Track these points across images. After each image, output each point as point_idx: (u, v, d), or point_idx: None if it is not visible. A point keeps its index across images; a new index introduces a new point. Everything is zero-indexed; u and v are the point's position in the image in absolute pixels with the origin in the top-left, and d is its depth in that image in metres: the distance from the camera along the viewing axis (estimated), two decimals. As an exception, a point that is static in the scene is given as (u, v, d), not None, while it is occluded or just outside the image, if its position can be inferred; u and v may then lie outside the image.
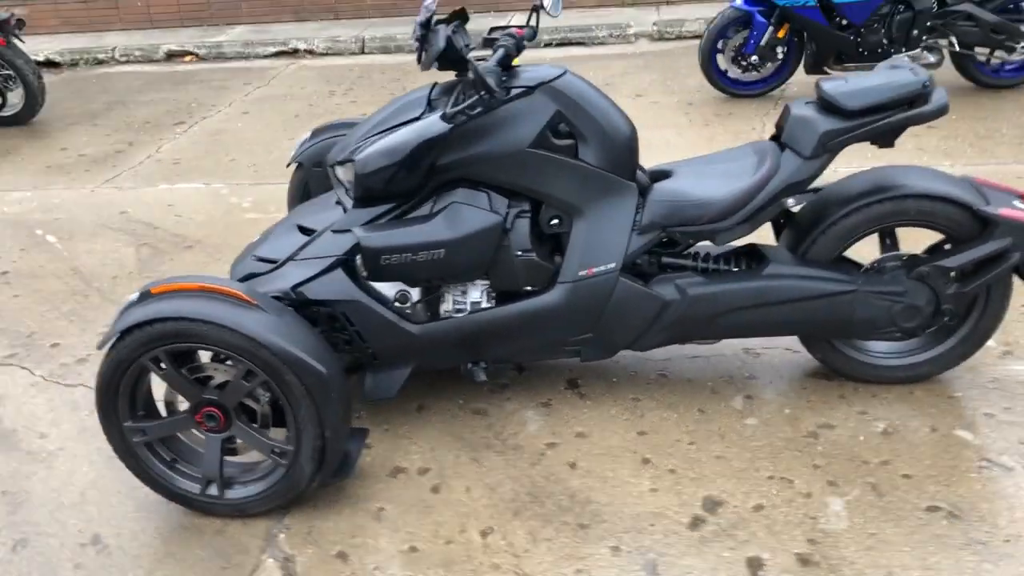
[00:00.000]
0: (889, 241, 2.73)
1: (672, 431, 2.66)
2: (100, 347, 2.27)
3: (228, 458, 2.44)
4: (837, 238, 2.61)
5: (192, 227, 4.40)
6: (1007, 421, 2.60)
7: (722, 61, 5.75)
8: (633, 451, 2.59)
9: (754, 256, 2.72)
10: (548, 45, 7.80)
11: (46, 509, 2.52)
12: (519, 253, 2.61)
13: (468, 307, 2.67)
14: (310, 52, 8.01)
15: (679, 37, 7.57)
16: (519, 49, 2.75)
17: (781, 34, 5.52)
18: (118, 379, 2.30)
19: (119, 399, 2.33)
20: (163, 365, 2.28)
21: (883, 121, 2.46)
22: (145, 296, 2.28)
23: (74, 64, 8.27)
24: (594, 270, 2.60)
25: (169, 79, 7.50)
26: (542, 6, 2.86)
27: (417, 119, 2.59)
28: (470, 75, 2.38)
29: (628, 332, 2.65)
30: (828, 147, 2.49)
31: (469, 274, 2.61)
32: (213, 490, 2.41)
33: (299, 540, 2.35)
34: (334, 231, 2.66)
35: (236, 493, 2.42)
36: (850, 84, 2.50)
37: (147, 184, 5.04)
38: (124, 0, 9.34)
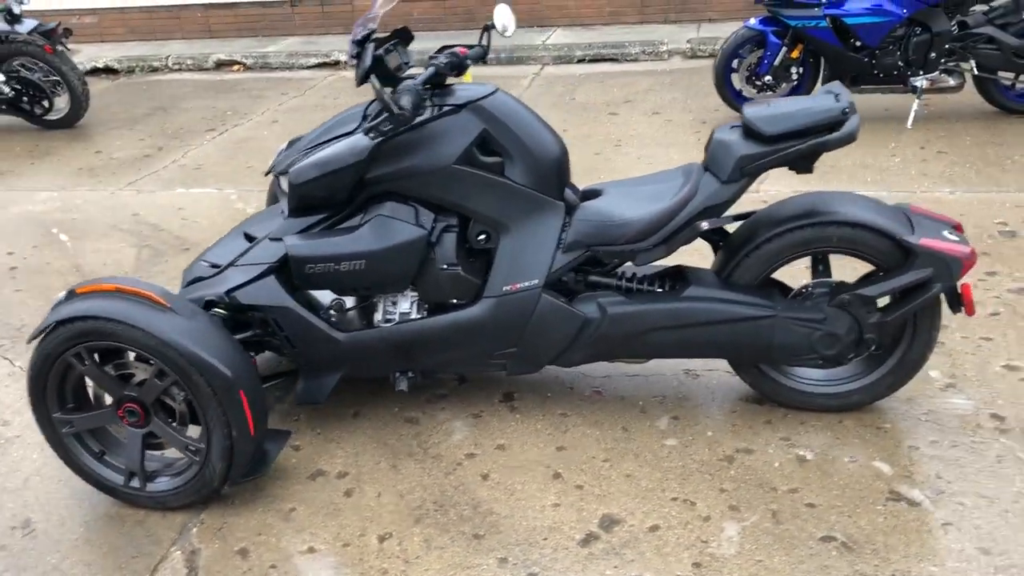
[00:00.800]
0: (821, 268, 2.71)
1: (591, 448, 2.69)
2: (29, 341, 2.42)
3: (152, 453, 2.56)
4: (761, 262, 2.61)
5: (195, 230, 4.58)
6: (929, 455, 2.55)
7: (737, 81, 5.71)
8: (547, 466, 2.62)
9: (680, 277, 2.73)
10: (581, 61, 7.84)
11: (-11, 492, 2.68)
12: (444, 267, 2.68)
13: (397, 317, 2.75)
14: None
15: (711, 55, 7.53)
16: (461, 68, 2.82)
17: (795, 54, 5.46)
18: (46, 372, 2.44)
19: (48, 391, 2.47)
20: (85, 361, 2.41)
21: (793, 148, 2.45)
22: (71, 295, 2.41)
23: (130, 71, 8.64)
24: (518, 286, 2.65)
25: (214, 87, 7.78)
26: (493, 26, 2.94)
27: (350, 134, 2.69)
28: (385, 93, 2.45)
29: (551, 347, 2.68)
30: (745, 172, 2.50)
31: (393, 285, 2.68)
32: (136, 482, 2.53)
33: (209, 535, 2.45)
34: (270, 239, 2.77)
35: (157, 487, 2.53)
36: (771, 109, 2.50)
37: (165, 188, 5.26)
38: (185, 11, 9.72)
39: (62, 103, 6.58)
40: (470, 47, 2.96)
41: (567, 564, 2.26)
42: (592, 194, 2.80)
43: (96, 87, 7.98)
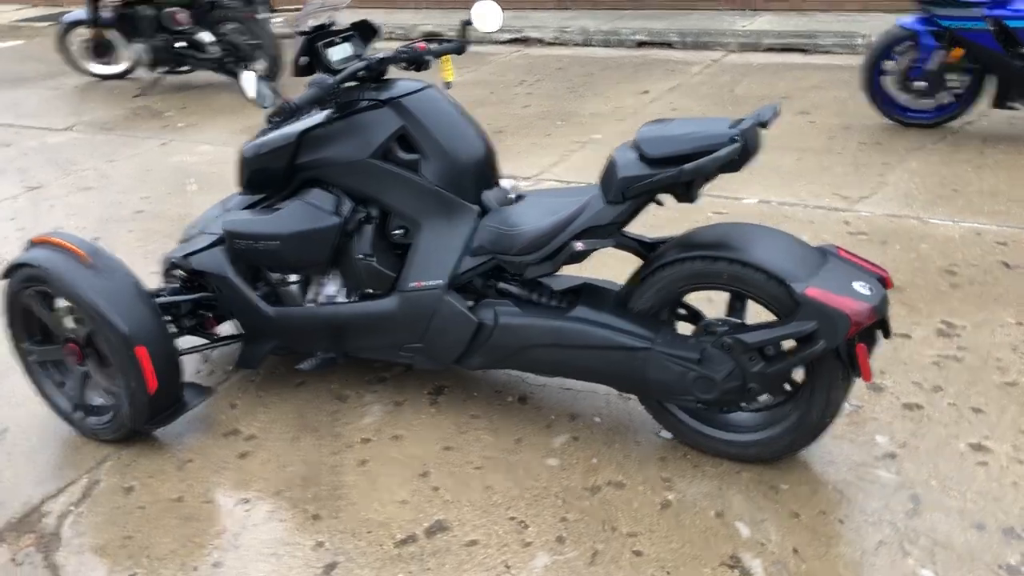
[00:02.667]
0: (738, 305, 2.50)
1: (473, 453, 2.69)
2: (2, 278, 2.83)
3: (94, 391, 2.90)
4: (653, 290, 2.46)
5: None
6: (803, 527, 2.31)
7: (889, 84, 5.18)
8: (423, 463, 2.67)
9: (581, 295, 2.63)
10: (769, 50, 7.41)
11: (-9, 401, 3.17)
12: (360, 256, 2.77)
13: (323, 299, 2.89)
14: (540, 41, 8.33)
15: (910, 52, 6.81)
16: (418, 63, 2.88)
17: (955, 58, 4.85)
18: (11, 308, 2.84)
19: (15, 323, 2.88)
20: (35, 302, 2.78)
21: (663, 175, 2.27)
22: (29, 244, 2.79)
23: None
24: (423, 284, 2.69)
25: (407, 57, 8.22)
26: (470, 23, 2.96)
27: (298, 120, 2.84)
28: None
29: (450, 348, 2.71)
30: (627, 194, 2.35)
31: (307, 268, 2.83)
32: (79, 414, 2.89)
33: (115, 470, 2.76)
34: (226, 211, 3.00)
35: (92, 421, 2.87)
36: (661, 129, 2.34)
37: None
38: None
39: (259, 67, 7.27)
40: (447, 41, 3.00)
41: (369, 561, 2.31)
42: (517, 200, 2.76)
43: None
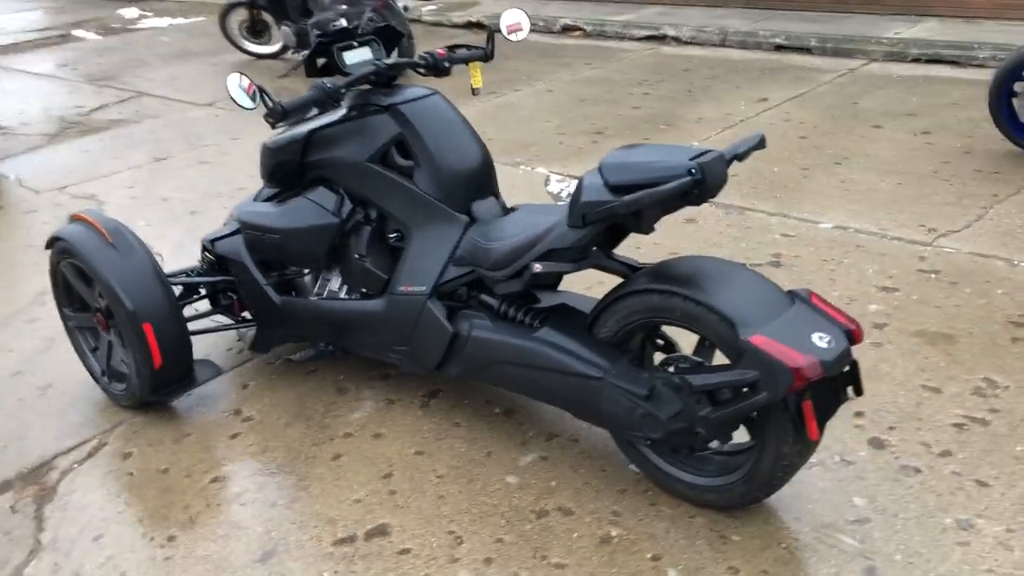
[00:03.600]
0: (707, 343, 2.39)
1: (440, 461, 2.71)
2: (45, 248, 3.09)
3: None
4: (615, 318, 2.39)
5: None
6: (736, 583, 2.19)
7: (1019, 107, 4.73)
8: (390, 465, 2.72)
9: (554, 315, 2.59)
10: (916, 60, 6.91)
11: (31, 359, 3.46)
12: (356, 256, 2.84)
13: (325, 294, 2.98)
14: (676, 39, 8.13)
15: (1073, 70, 6.17)
16: (437, 70, 2.91)
17: (1092, 85, 4.37)
18: (53, 276, 3.11)
19: (58, 291, 3.15)
20: (69, 273, 3.02)
21: (612, 204, 2.19)
22: (69, 219, 3.03)
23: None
24: (409, 288, 2.73)
25: (542, 50, 8.24)
26: (498, 30, 2.97)
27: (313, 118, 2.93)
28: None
29: (429, 355, 2.73)
30: (587, 219, 2.29)
31: (306, 264, 2.93)
32: (105, 378, 3.13)
33: (124, 435, 2.97)
34: (252, 200, 3.14)
35: (115, 386, 3.10)
36: (626, 155, 2.27)
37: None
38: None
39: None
40: (473, 48, 3.02)
41: (303, 554, 2.39)
42: (508, 213, 2.74)
43: (448, 42, 8.87)
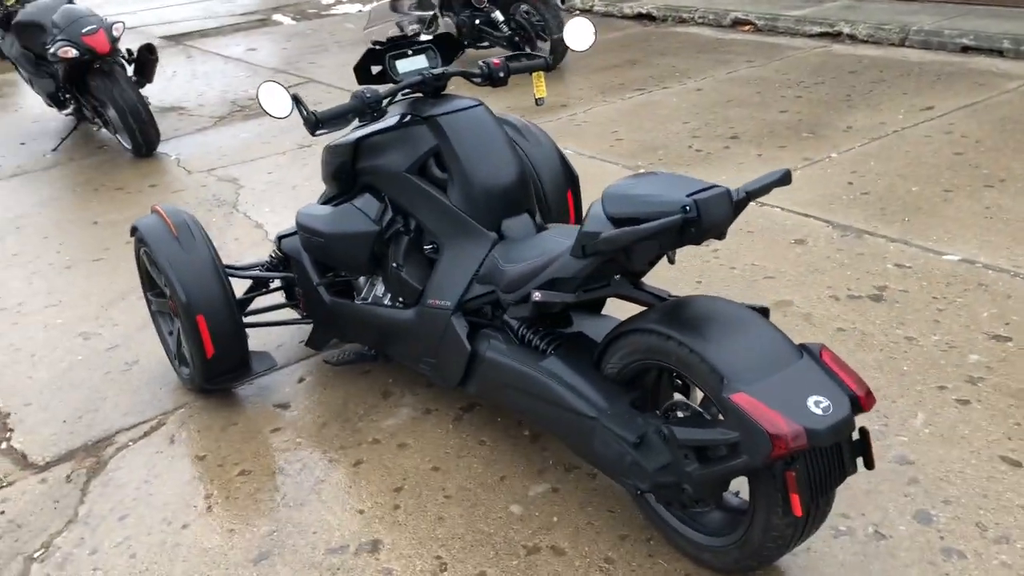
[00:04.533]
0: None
1: (453, 481, 2.67)
2: (130, 235, 3.30)
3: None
4: (619, 355, 2.26)
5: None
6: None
7: None
8: (403, 478, 2.71)
9: (565, 344, 2.47)
10: (1125, 68, 6.09)
11: (129, 335, 3.70)
12: (395, 265, 2.84)
13: (370, 299, 3.00)
14: (851, 37, 7.58)
15: None
16: (492, 80, 2.85)
17: None
18: (137, 262, 3.31)
19: (142, 276, 3.35)
20: (147, 260, 3.21)
21: (599, 238, 2.04)
22: (151, 210, 3.22)
23: (664, 20, 9.17)
24: (437, 303, 2.70)
25: (704, 46, 7.93)
26: (561, 39, 2.87)
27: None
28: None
29: (452, 371, 2.70)
30: (587, 250, 2.16)
31: (348, 269, 2.95)
32: (176, 362, 3.31)
33: (179, 418, 3.13)
34: (317, 202, 3.21)
35: (183, 371, 3.27)
36: (630, 187, 2.11)
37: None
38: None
39: (545, 47, 7.46)
40: (532, 57, 2.93)
41: (294, 560, 2.42)
42: (539, 232, 2.64)
43: (614, 34, 8.72)
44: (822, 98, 6.04)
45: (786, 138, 5.31)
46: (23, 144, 6.75)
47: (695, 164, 5.04)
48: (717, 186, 2.01)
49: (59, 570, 2.47)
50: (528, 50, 7.55)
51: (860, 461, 2.00)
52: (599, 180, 4.90)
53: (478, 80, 2.88)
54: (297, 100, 2.59)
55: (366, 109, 2.65)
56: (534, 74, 2.99)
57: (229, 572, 2.41)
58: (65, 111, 6.62)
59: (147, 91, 6.44)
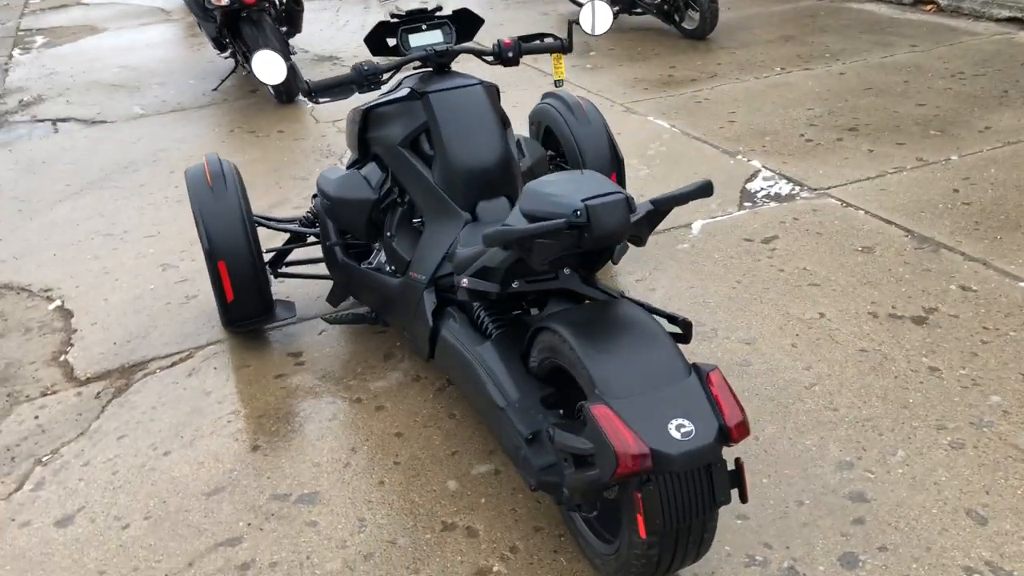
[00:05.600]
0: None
1: (410, 448, 2.76)
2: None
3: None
4: (536, 350, 2.25)
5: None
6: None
7: None
8: (366, 439, 2.82)
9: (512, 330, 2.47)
10: None
11: (200, 270, 3.99)
12: (388, 234, 2.94)
13: (375, 263, 3.11)
14: (1041, 25, 6.82)
15: None
16: (503, 59, 2.87)
17: None
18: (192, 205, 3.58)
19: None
20: (195, 207, 3.47)
21: (489, 232, 2.02)
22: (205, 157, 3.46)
23: (843, -7, 8.59)
24: (415, 276, 2.78)
25: (872, 24, 7.38)
26: (577, 23, 2.86)
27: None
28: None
29: (421, 344, 2.77)
30: (484, 242, 2.12)
31: (352, 232, 3.05)
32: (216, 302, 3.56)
33: (206, 354, 3.38)
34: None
35: (220, 311, 3.52)
36: (546, 183, 2.09)
37: (635, 112, 5.70)
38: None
39: (695, 16, 7.22)
40: (548, 37, 2.92)
41: (242, 499, 2.60)
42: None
43: (780, 7, 8.27)
44: (974, 92, 5.52)
45: (909, 134, 4.92)
46: (191, 82, 7.34)
47: (798, 154, 4.77)
48: (615, 193, 1.95)
49: (54, 475, 2.78)
50: (677, 20, 7.34)
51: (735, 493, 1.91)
52: (690, 163, 4.76)
53: (489, 58, 2.89)
54: (293, 69, 2.71)
55: (363, 81, 2.73)
56: (553, 55, 2.96)
57: (182, 501, 2.62)
58: (224, 54, 7.13)
59: (309, 40, 6.78)
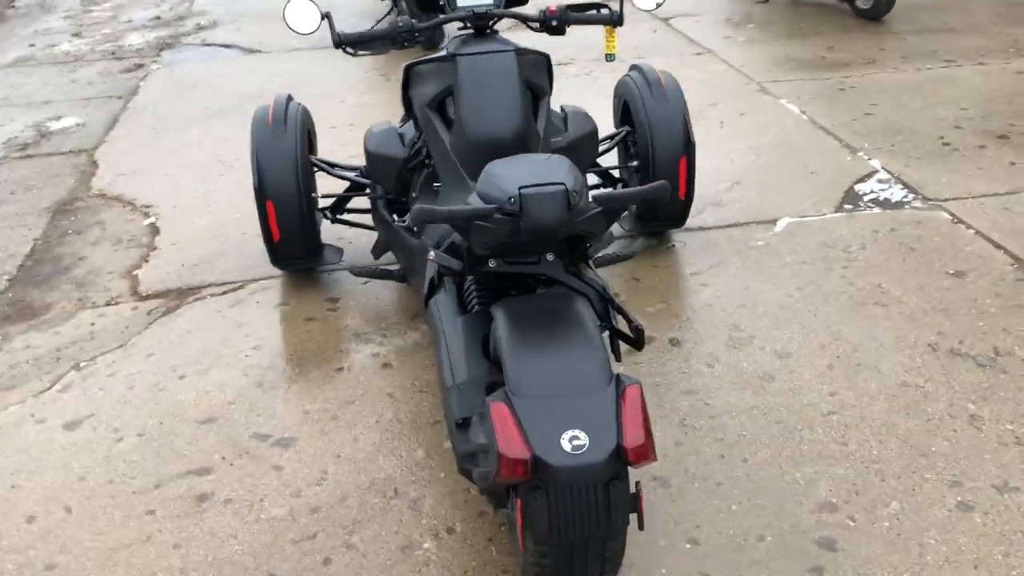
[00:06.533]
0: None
1: (396, 411, 2.77)
2: (266, 120, 3.68)
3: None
4: (491, 333, 2.18)
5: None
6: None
7: None
8: (361, 394, 2.85)
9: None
10: None
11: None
12: (412, 195, 2.92)
13: (406, 220, 3.11)
14: None
15: None
16: (548, 27, 2.76)
17: None
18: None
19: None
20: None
21: (415, 209, 1.95)
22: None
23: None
24: (425, 239, 2.76)
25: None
26: None
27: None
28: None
29: (421, 307, 2.75)
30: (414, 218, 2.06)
31: (382, 186, 3.05)
32: (279, 238, 3.68)
33: (254, 288, 3.51)
34: (400, 122, 3.34)
35: (279, 246, 3.64)
36: (501, 166, 2.01)
37: (755, 98, 5.35)
38: None
39: (871, -4, 6.68)
40: (598, 7, 2.79)
41: (228, 432, 2.70)
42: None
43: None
44: None
45: (1064, 150, 4.36)
46: (351, 21, 7.54)
47: (927, 158, 4.34)
48: (559, 184, 1.84)
49: (82, 381, 2.99)
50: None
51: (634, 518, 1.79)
52: (802, 156, 4.45)
53: (535, 25, 2.79)
54: (328, 17, 2.71)
55: (396, 36, 2.70)
56: (605, 27, 2.81)
57: (175, 424, 2.76)
58: (383, -2, 7.28)
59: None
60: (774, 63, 5.91)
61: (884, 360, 2.87)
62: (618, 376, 1.84)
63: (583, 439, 1.71)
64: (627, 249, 3.43)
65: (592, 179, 3.69)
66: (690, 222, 3.76)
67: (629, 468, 1.78)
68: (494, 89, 2.60)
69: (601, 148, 3.63)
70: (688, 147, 3.35)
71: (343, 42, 2.70)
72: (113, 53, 6.99)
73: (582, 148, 2.93)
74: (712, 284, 3.35)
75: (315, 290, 3.46)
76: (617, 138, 3.60)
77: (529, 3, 2.93)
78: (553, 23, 2.75)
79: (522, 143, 2.59)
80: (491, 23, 2.76)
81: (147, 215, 4.20)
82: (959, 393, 2.71)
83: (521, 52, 2.70)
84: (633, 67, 3.58)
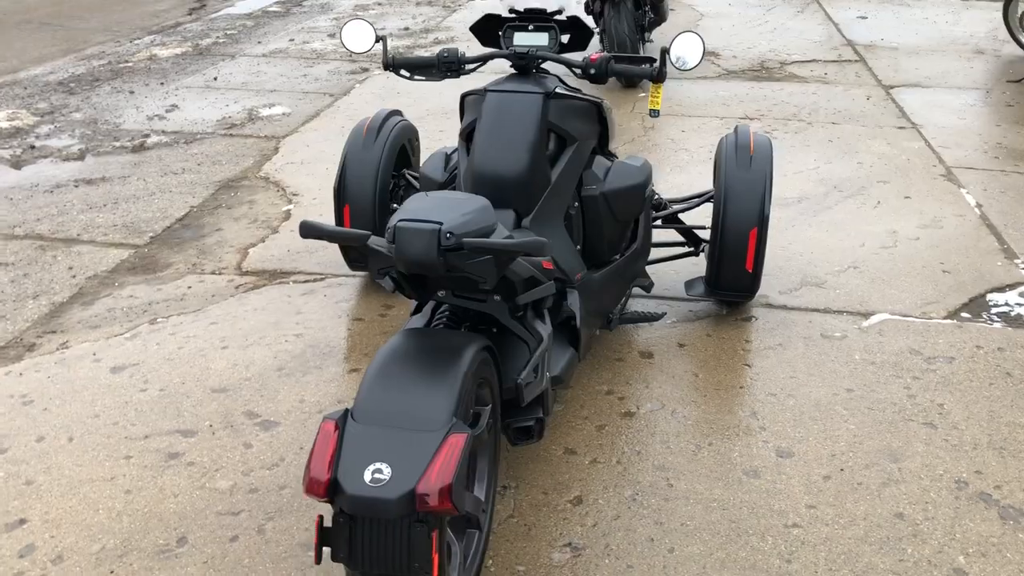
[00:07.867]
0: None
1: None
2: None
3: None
4: None
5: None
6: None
7: None
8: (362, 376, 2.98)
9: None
10: None
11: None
12: (451, 194, 3.03)
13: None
14: None
15: None
16: (589, 75, 2.78)
17: None
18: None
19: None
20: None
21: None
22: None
23: None
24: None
25: None
26: (668, 51, 2.71)
27: None
28: None
29: None
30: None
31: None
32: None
33: (333, 283, 3.77)
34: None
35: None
36: (423, 197, 2.06)
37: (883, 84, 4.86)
38: None
39: None
40: (642, 61, 2.77)
41: (234, 400, 2.94)
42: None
43: None
44: None
45: None
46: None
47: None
48: (433, 223, 1.87)
49: (148, 334, 3.37)
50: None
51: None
52: (948, 255, 4.04)
53: (578, 72, 2.79)
54: (383, 40, 2.88)
55: (441, 66, 2.82)
56: (652, 84, 2.76)
57: (192, 387, 3.04)
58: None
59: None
60: (980, 149, 5.37)
61: (892, 486, 2.57)
62: (456, 423, 1.83)
63: (385, 473, 1.73)
64: (657, 311, 3.33)
65: (672, 234, 3.60)
66: (778, 299, 3.56)
67: (442, 514, 1.77)
68: (508, 128, 2.63)
69: (685, 206, 3.54)
70: (761, 219, 3.18)
71: (393, 64, 2.86)
72: (350, 55, 7.65)
73: (616, 201, 2.88)
74: (756, 366, 3.15)
75: (379, 295, 3.64)
76: (701, 198, 3.49)
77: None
78: (592, 71, 2.74)
79: (523, 186, 2.60)
80: (536, 64, 2.79)
81: (290, 201, 4.61)
82: (956, 541, 2.37)
83: (557, 96, 2.71)
84: (737, 126, 3.45)
